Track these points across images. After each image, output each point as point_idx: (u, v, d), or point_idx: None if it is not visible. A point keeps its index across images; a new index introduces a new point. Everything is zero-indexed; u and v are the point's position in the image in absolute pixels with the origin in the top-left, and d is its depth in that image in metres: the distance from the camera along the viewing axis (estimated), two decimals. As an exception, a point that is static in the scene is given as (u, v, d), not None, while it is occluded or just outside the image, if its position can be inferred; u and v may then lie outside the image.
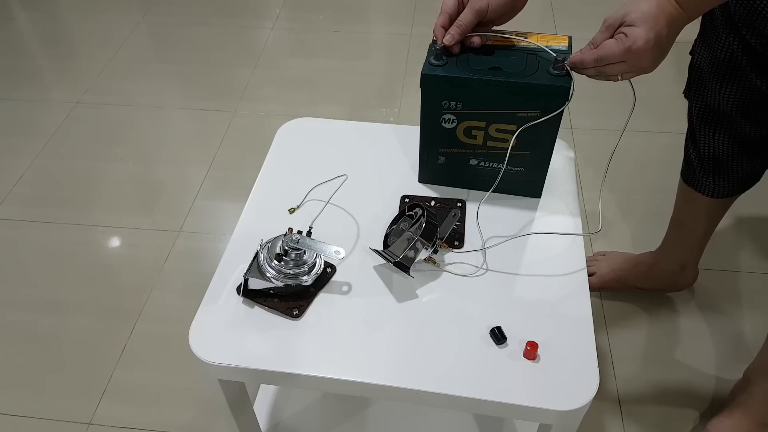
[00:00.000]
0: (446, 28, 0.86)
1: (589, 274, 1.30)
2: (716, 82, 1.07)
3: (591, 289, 1.26)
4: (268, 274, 0.83)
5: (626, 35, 0.77)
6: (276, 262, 0.83)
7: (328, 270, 0.88)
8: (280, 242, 0.85)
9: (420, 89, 0.89)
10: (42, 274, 1.56)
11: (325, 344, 0.80)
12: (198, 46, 2.34)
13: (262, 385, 1.20)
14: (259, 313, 0.83)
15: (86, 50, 2.34)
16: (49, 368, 1.37)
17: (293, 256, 0.83)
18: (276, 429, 1.14)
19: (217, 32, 2.42)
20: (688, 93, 1.17)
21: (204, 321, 0.83)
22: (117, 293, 1.51)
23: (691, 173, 1.23)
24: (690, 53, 1.13)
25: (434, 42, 0.90)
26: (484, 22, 0.88)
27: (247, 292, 0.85)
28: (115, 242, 1.64)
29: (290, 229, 0.85)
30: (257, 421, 1.07)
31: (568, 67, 0.83)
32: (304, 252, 0.84)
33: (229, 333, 0.81)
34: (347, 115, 2.00)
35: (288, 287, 0.84)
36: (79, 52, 2.34)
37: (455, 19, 0.86)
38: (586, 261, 1.32)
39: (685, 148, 1.23)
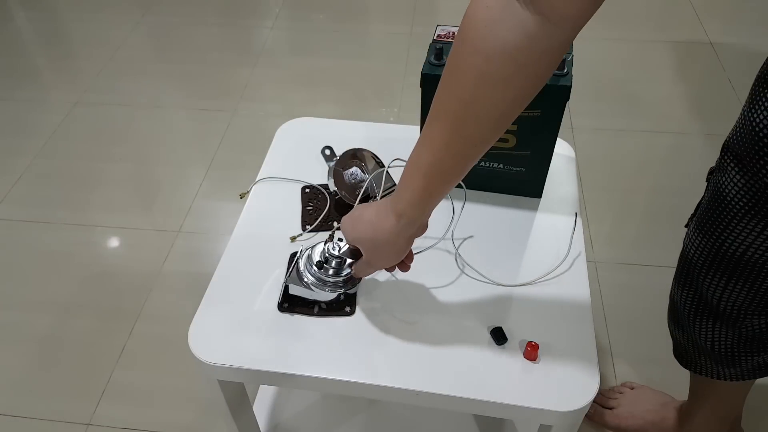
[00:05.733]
0: None
1: (608, 407, 1.22)
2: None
3: (605, 426, 1.20)
4: (306, 280, 0.81)
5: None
6: (316, 269, 0.81)
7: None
8: (320, 249, 0.83)
9: (420, 89, 0.89)
10: (41, 275, 1.56)
11: (325, 345, 0.80)
12: (198, 46, 2.34)
13: (261, 385, 1.20)
14: (259, 313, 0.83)
15: (85, 50, 2.34)
16: (48, 369, 1.37)
17: (333, 264, 0.82)
18: (275, 430, 1.13)
19: (216, 32, 2.42)
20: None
21: (203, 321, 0.83)
22: (116, 293, 1.51)
23: (684, 355, 1.01)
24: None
25: (434, 41, 0.90)
26: None
27: (287, 298, 0.83)
28: (114, 242, 1.64)
29: (331, 236, 0.83)
30: (257, 422, 1.07)
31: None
32: (346, 260, 0.82)
33: (228, 333, 0.81)
34: (347, 115, 2.00)
35: (332, 294, 0.82)
36: (79, 52, 2.34)
37: None
38: (609, 392, 1.25)
39: (669, 327, 1.02)
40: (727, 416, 1.10)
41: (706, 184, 0.86)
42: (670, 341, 1.04)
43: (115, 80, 2.18)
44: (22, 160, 1.86)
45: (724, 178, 0.78)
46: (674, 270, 0.95)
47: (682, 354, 1.02)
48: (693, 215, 0.89)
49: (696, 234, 0.86)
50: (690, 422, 1.14)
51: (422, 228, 0.76)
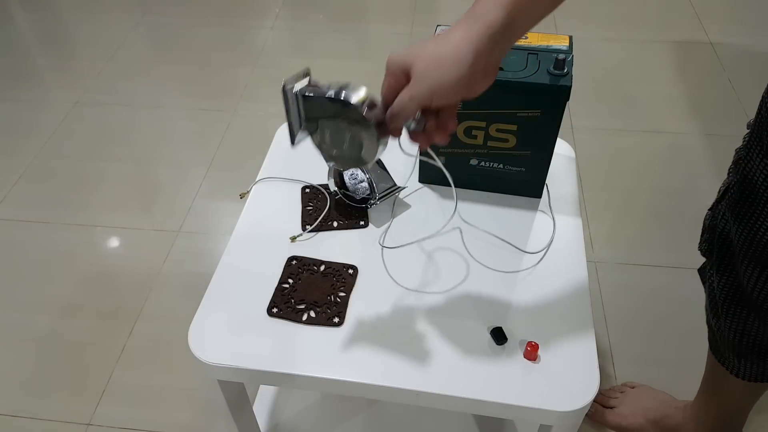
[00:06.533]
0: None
1: (609, 406, 1.22)
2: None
3: (606, 425, 1.18)
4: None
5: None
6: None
7: (350, 271, 0.88)
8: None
9: (420, 89, 0.89)
10: (41, 275, 1.56)
11: (325, 345, 0.80)
12: (197, 46, 2.34)
13: (261, 385, 1.20)
14: (258, 313, 0.83)
15: (85, 50, 2.34)
16: (48, 369, 1.37)
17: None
18: (275, 430, 1.13)
19: (216, 32, 2.42)
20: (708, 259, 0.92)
21: (203, 321, 0.83)
22: (116, 293, 1.51)
23: (717, 346, 0.99)
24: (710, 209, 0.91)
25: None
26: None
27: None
28: (114, 242, 1.64)
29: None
30: (257, 421, 1.07)
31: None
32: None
33: (228, 333, 0.81)
34: (347, 115, 2.00)
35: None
36: (79, 52, 2.34)
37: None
38: (610, 391, 1.25)
39: (707, 317, 0.99)
40: (731, 421, 1.10)
41: (731, 168, 0.83)
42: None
43: (115, 80, 2.18)
44: (22, 160, 1.86)
45: (751, 164, 0.76)
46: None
47: (711, 342, 1.00)
48: (718, 200, 0.86)
49: (732, 220, 0.82)
50: (692, 421, 1.13)
51: (492, 67, 0.61)
